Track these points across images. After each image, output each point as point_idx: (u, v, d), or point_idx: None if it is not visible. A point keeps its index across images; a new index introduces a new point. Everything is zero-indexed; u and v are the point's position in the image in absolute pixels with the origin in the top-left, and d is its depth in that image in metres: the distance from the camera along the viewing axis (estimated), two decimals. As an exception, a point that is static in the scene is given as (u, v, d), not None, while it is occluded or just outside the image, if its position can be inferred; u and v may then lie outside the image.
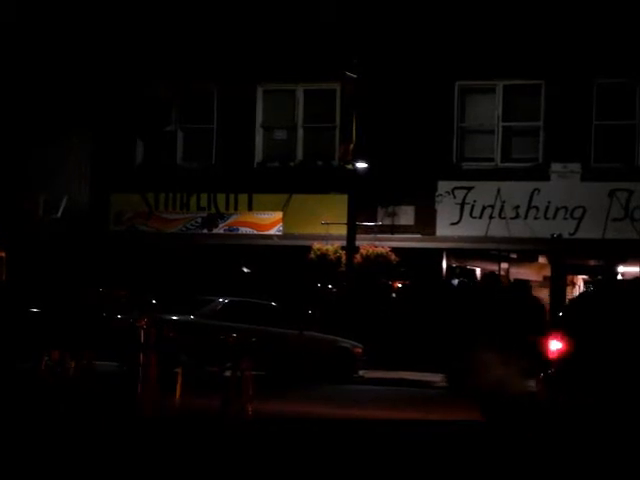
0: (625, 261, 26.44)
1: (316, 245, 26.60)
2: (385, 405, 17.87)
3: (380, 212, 27.32)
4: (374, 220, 27.17)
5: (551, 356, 13.88)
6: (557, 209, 26.27)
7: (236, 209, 28.44)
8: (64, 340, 16.21)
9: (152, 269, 27.54)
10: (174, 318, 22.04)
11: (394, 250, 26.30)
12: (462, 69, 27.03)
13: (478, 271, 27.92)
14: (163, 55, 28.75)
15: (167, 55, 28.73)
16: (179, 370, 15.33)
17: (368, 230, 26.86)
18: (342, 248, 26.18)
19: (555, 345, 13.83)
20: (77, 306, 21.65)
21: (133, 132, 29.30)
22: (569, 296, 26.98)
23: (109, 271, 27.11)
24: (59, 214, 28.48)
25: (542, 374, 14.14)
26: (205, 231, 28.49)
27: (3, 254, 28.20)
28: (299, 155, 28.50)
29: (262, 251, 27.66)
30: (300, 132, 28.58)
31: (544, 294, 27.29)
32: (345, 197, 26.21)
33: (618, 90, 26.33)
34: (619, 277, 26.30)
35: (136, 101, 29.07)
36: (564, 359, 13.75)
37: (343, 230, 26.03)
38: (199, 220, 28.64)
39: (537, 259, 27.63)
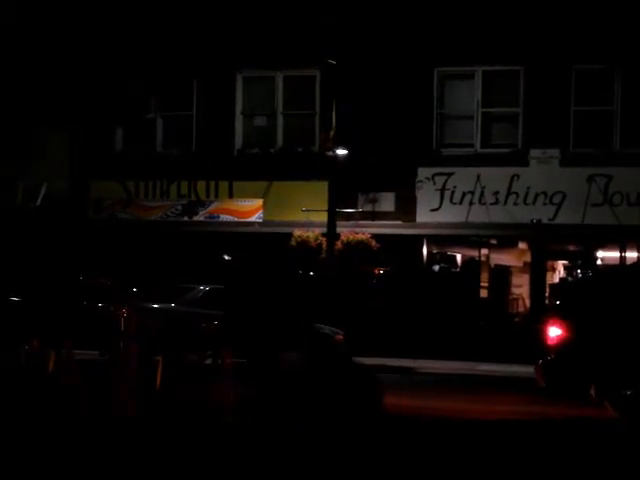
0: (604, 246, 26.57)
1: (297, 232, 26.61)
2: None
3: (360, 199, 27.34)
4: (355, 207, 27.19)
5: (550, 342, 13.95)
6: (537, 195, 26.35)
7: (216, 196, 28.41)
8: (44, 329, 16.18)
9: (132, 257, 27.50)
10: (155, 306, 22.05)
11: (375, 236, 26.33)
12: (441, 55, 27.04)
13: (458, 257, 27.99)
14: (142, 43, 28.63)
15: (146, 43, 28.61)
16: (159, 359, 15.32)
17: (349, 217, 26.89)
18: (323, 235, 26.20)
19: (554, 331, 13.91)
20: (57, 295, 21.60)
21: (112, 119, 29.20)
22: (549, 281, 27.15)
23: (89, 259, 27.06)
24: (38, 202, 28.38)
25: (541, 361, 14.22)
26: (185, 219, 28.45)
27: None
28: (279, 142, 28.47)
29: (243, 238, 27.65)
30: (280, 119, 28.54)
31: (524, 279, 27.48)
32: (325, 184, 26.21)
33: (597, 76, 26.39)
34: (598, 262, 26.45)
35: (115, 89, 28.96)
36: (563, 345, 13.81)
37: (324, 217, 26.04)
38: (179, 208, 28.60)
39: (517, 245, 27.71)
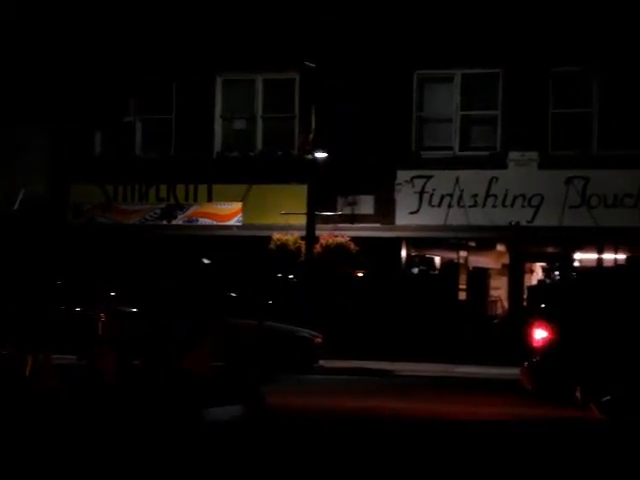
0: (582, 248, 26.68)
1: (276, 235, 26.62)
2: (344, 394, 17.94)
3: (340, 202, 27.37)
4: (334, 210, 27.22)
5: (535, 344, 14.02)
6: (515, 197, 26.45)
7: (195, 200, 28.39)
8: (21, 334, 16.09)
9: (111, 261, 27.42)
10: (134, 310, 21.99)
11: (354, 239, 26.37)
12: (421, 58, 27.12)
13: (437, 259, 28.05)
14: (121, 46, 28.57)
15: (125, 46, 28.56)
16: (137, 363, 15.28)
17: (328, 220, 26.91)
18: (302, 238, 26.22)
19: (540, 334, 13.98)
20: (35, 299, 21.51)
21: (91, 123, 29.13)
22: (527, 283, 27.24)
23: (68, 263, 26.98)
24: (16, 206, 28.28)
25: (526, 363, 14.28)
26: (164, 222, 28.42)
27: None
28: (259, 145, 28.48)
29: (222, 242, 27.64)
30: (259, 122, 28.55)
31: (502, 282, 27.56)
32: (305, 187, 26.24)
33: (575, 79, 26.52)
34: (576, 264, 26.56)
35: (94, 92, 28.89)
36: (549, 347, 13.88)
37: (303, 220, 26.06)
38: (158, 211, 28.57)
39: (495, 247, 27.80)
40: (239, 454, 10.54)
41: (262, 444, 11.25)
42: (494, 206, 26.53)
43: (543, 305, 14.80)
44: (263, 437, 11.84)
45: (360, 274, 27.45)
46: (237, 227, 27.86)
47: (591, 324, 13.81)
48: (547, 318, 14.11)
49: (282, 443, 11.36)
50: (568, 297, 14.65)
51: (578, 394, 13.78)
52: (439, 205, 26.85)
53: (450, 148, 27.21)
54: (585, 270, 25.63)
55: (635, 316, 13.69)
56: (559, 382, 13.97)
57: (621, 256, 26.03)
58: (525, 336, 14.41)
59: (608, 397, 13.51)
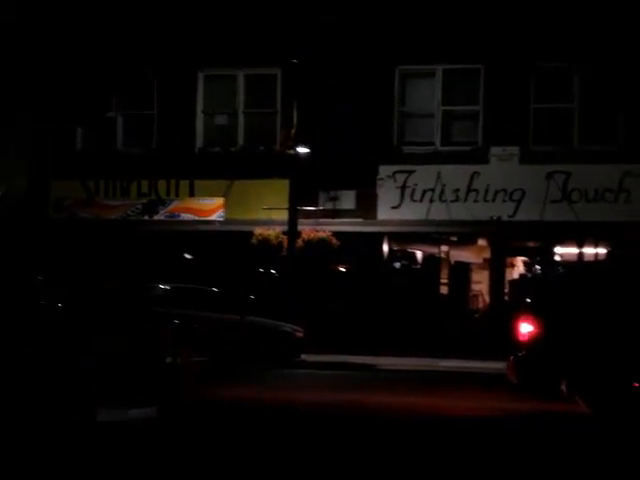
0: (563, 242, 26.80)
1: (258, 230, 26.63)
2: (326, 388, 17.97)
3: (321, 197, 27.40)
4: (316, 205, 27.24)
5: (522, 339, 14.08)
6: (496, 192, 26.53)
7: (177, 195, 28.37)
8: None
9: (93, 256, 27.38)
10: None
11: (336, 234, 26.40)
12: (402, 54, 27.15)
13: (419, 254, 28.12)
14: (103, 41, 28.51)
15: (107, 40, 28.49)
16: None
17: (310, 215, 26.93)
18: (284, 233, 26.23)
19: (526, 328, 14.05)
20: (16, 295, 21.45)
21: (73, 118, 29.05)
22: (509, 277, 27.35)
23: (49, 259, 26.90)
24: (-2, 202, 28.19)
25: (512, 357, 14.35)
26: (146, 217, 28.38)
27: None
28: (240, 140, 28.47)
29: (204, 237, 27.63)
30: (241, 117, 28.54)
31: (484, 276, 27.66)
32: (287, 182, 26.25)
33: (556, 74, 26.61)
34: (557, 258, 26.67)
35: (76, 87, 28.81)
36: (535, 341, 13.95)
37: (285, 215, 26.08)
38: (139, 207, 28.52)
39: (477, 241, 27.89)
40: (136, 457, 9.95)
41: (169, 446, 10.66)
42: (475, 201, 26.62)
43: (529, 299, 14.85)
44: (172, 438, 11.19)
45: (342, 269, 27.50)
46: (219, 222, 27.85)
47: (577, 318, 13.89)
48: (533, 312, 14.18)
49: (194, 444, 10.72)
50: (554, 291, 14.70)
51: (564, 388, 13.86)
52: (421, 200, 26.91)
53: (432, 143, 27.27)
54: (572, 264, 25.72)
55: (621, 310, 13.77)
56: (545, 376, 14.04)
57: (602, 250, 26.15)
58: (511, 330, 14.47)
59: (593, 390, 13.59)
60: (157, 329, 16.05)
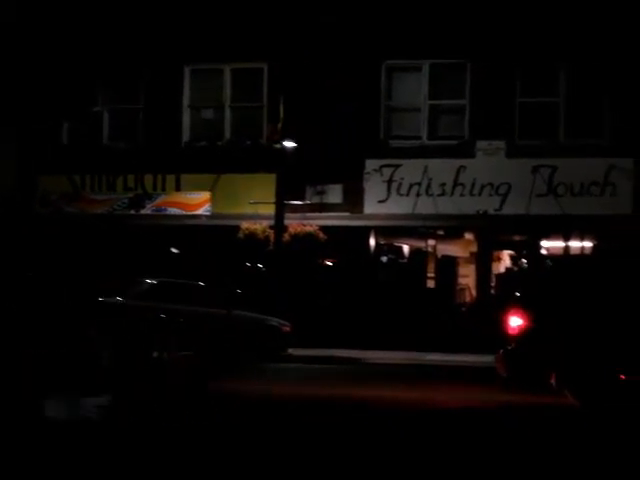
0: (549, 236, 26.87)
1: (244, 224, 26.62)
2: (313, 382, 17.99)
3: (308, 191, 27.39)
4: (302, 199, 27.24)
5: (511, 332, 14.14)
6: (483, 186, 26.58)
7: (164, 189, 28.33)
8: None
9: (79, 251, 27.33)
10: (102, 300, 21.95)
11: (322, 228, 26.41)
12: (389, 48, 27.16)
13: (406, 248, 28.17)
14: (89, 35, 28.44)
15: (93, 35, 28.42)
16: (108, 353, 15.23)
17: (296, 209, 26.93)
18: (270, 227, 26.23)
19: (515, 321, 14.10)
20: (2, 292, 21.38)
21: (59, 113, 28.97)
22: (495, 271, 27.41)
23: (36, 254, 26.84)
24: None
25: (502, 350, 14.40)
26: (132, 212, 28.34)
27: None
28: (227, 134, 28.44)
29: (190, 231, 27.62)
30: (228, 111, 28.51)
31: (471, 270, 27.72)
32: (273, 176, 26.24)
33: (542, 68, 26.66)
34: (543, 252, 26.74)
35: (61, 81, 28.73)
36: (524, 335, 14.01)
37: (271, 209, 26.06)
38: (126, 201, 28.48)
39: (463, 235, 27.94)
40: (84, 450, 9.54)
41: (118, 440, 10.29)
42: (462, 195, 26.66)
43: (518, 293, 14.91)
44: (123, 432, 10.78)
45: (329, 263, 27.52)
46: (206, 216, 27.83)
47: (566, 312, 13.95)
48: (523, 306, 14.24)
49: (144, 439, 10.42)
50: (544, 285, 14.76)
51: (553, 381, 13.92)
52: (407, 194, 26.94)
53: (418, 137, 27.30)
54: (560, 258, 25.79)
55: (609, 303, 13.82)
56: (534, 369, 14.10)
57: (588, 244, 26.24)
58: (500, 323, 14.53)
59: (581, 383, 13.64)
60: (128, 322, 15.94)
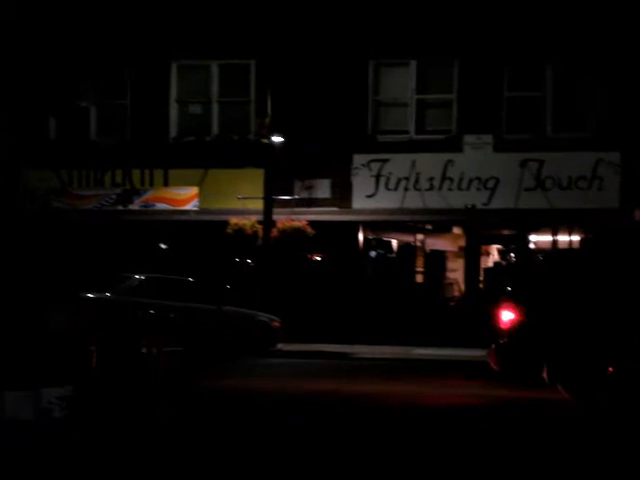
0: (537, 230, 26.94)
1: (233, 220, 26.59)
2: (302, 377, 17.99)
3: (296, 186, 27.39)
4: (291, 194, 27.22)
5: (503, 326, 14.17)
6: (471, 180, 26.62)
7: (152, 185, 28.27)
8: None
9: (67, 247, 27.27)
10: (90, 295, 21.93)
11: (311, 223, 26.40)
12: (376, 45, 27.14)
13: (394, 243, 28.19)
14: (76, 30, 28.34)
15: (80, 30, 28.32)
16: (93, 348, 15.20)
17: (285, 204, 26.92)
18: (259, 222, 26.22)
19: (507, 315, 14.14)
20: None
21: (45, 108, 28.88)
22: (484, 265, 27.47)
23: (23, 250, 26.75)
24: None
25: (494, 344, 14.43)
26: (120, 207, 28.28)
27: None
28: (215, 130, 28.41)
29: (179, 227, 27.58)
30: (215, 107, 28.47)
31: (459, 264, 27.76)
32: (261, 171, 26.23)
33: (529, 62, 26.70)
34: (531, 246, 26.81)
35: (48, 76, 28.64)
36: (516, 329, 14.04)
37: (260, 204, 26.05)
38: (114, 196, 28.43)
39: (452, 230, 27.99)
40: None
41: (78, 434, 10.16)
42: (450, 189, 26.70)
43: (510, 287, 14.95)
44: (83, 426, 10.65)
45: (318, 258, 27.52)
46: (194, 212, 27.80)
47: (558, 305, 13.98)
48: (514, 300, 14.27)
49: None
50: (535, 279, 14.79)
51: (545, 375, 13.95)
52: (395, 188, 26.97)
53: (406, 132, 27.31)
54: (551, 252, 25.87)
55: (600, 297, 13.86)
56: (526, 363, 14.14)
57: (576, 238, 26.31)
58: (491, 318, 14.56)
59: (572, 377, 13.68)
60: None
